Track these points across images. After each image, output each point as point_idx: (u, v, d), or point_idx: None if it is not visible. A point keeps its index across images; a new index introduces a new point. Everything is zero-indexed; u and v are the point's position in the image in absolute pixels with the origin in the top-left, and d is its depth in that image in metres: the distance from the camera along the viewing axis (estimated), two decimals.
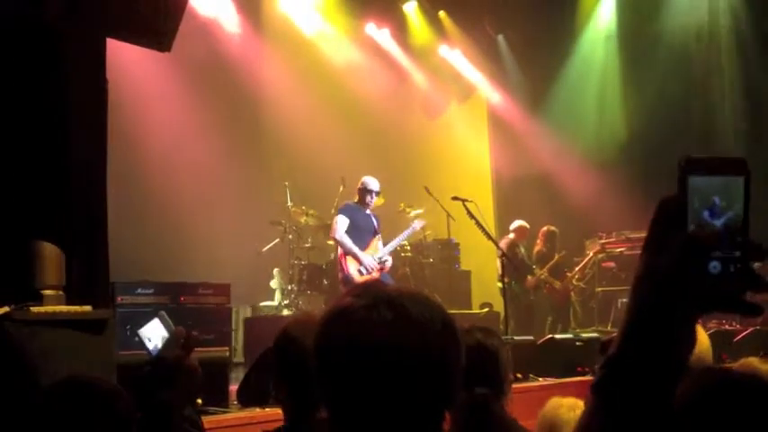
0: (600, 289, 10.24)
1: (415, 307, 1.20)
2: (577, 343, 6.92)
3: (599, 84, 11.84)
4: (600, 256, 10.30)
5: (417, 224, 8.33)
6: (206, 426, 2.14)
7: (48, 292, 4.25)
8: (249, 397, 4.56)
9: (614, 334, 0.91)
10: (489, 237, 7.64)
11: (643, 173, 10.01)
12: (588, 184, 10.81)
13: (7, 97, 4.54)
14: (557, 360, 6.49)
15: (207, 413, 4.38)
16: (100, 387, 1.57)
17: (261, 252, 9.50)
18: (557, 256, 9.99)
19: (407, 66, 12.10)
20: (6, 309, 3.77)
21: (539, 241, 10.09)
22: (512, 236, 9.74)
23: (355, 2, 11.03)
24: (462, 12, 11.80)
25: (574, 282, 10.26)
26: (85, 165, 4.85)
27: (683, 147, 10.04)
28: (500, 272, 8.65)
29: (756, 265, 0.86)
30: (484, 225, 7.55)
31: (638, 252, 0.90)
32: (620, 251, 10.07)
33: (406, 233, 8.26)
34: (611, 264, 10.23)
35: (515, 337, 7.01)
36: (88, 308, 4.13)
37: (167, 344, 2.00)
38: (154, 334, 2.09)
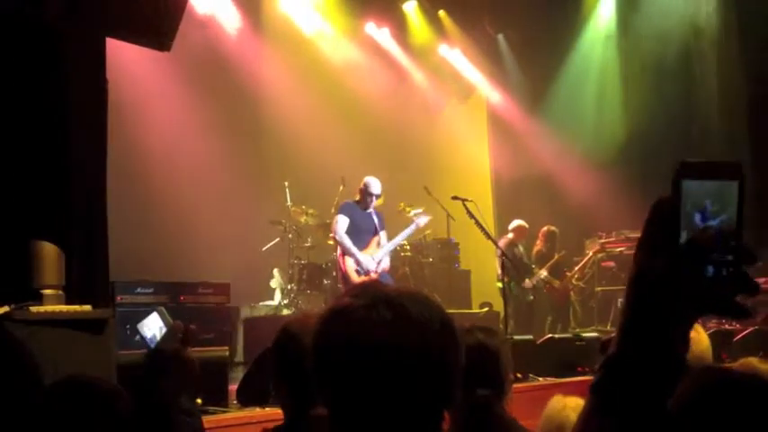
0: (599, 288, 10.25)
1: (414, 306, 1.20)
2: (577, 342, 6.92)
3: (599, 83, 11.83)
4: (599, 255, 10.31)
5: (422, 220, 8.26)
6: (206, 425, 2.15)
7: (47, 291, 4.25)
8: (249, 396, 4.57)
9: (614, 334, 0.91)
10: (489, 236, 7.64)
11: (643, 172, 10.02)
12: (588, 183, 10.81)
13: (7, 97, 4.54)
14: (556, 360, 6.49)
15: (207, 413, 4.38)
16: (100, 387, 1.57)
17: (261, 251, 9.50)
18: (556, 256, 9.99)
19: (407, 65, 12.10)
20: (6, 308, 3.77)
21: (538, 241, 10.09)
22: (510, 236, 9.73)
23: (355, 1, 11.03)
24: (462, 11, 11.80)
25: (573, 281, 10.26)
26: (85, 165, 4.85)
27: (683, 147, 10.05)
28: (499, 272, 8.65)
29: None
30: (483, 225, 7.55)
31: None
32: (620, 251, 10.07)
33: (410, 229, 8.18)
34: (611, 263, 10.23)
35: (515, 337, 7.01)
36: (88, 307, 4.13)
37: (165, 337, 2.02)
38: (153, 327, 2.11)
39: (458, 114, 12.57)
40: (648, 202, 0.89)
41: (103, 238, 4.90)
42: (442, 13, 11.96)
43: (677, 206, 0.85)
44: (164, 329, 2.09)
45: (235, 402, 4.66)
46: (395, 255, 8.75)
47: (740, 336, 7.05)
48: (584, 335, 7.55)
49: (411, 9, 11.85)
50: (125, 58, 7.76)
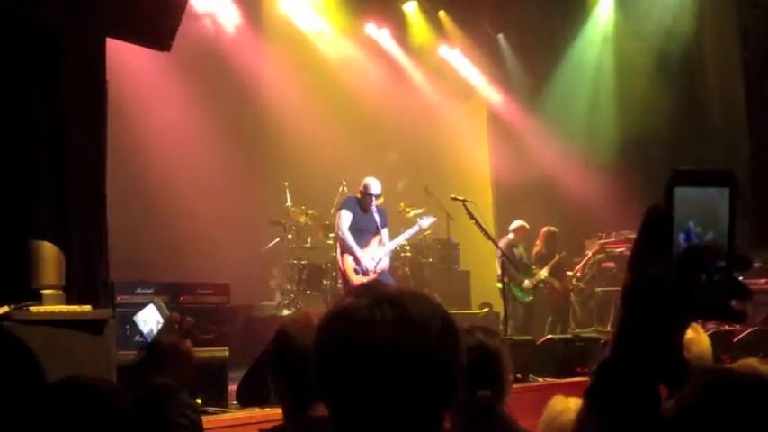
0: (599, 289, 10.24)
1: (415, 306, 1.20)
2: (577, 343, 6.92)
3: (598, 84, 11.83)
4: (599, 256, 10.31)
5: (425, 221, 8.24)
6: (205, 425, 2.14)
7: (47, 291, 4.25)
8: (248, 397, 4.57)
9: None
10: (489, 237, 7.64)
11: (642, 173, 10.01)
12: (588, 183, 10.81)
13: (7, 97, 4.54)
14: (556, 360, 6.50)
15: (206, 413, 4.38)
16: (100, 387, 1.57)
17: (261, 251, 9.50)
18: (557, 256, 9.98)
19: (407, 66, 12.10)
20: (6, 308, 3.77)
21: (538, 242, 10.08)
22: (511, 236, 9.73)
23: (355, 2, 11.03)
24: (462, 12, 11.80)
25: (573, 282, 10.26)
26: (85, 164, 4.85)
27: (683, 147, 10.05)
28: (499, 272, 8.65)
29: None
30: (483, 225, 7.55)
31: None
32: (620, 251, 10.07)
33: (412, 230, 8.17)
34: (611, 264, 10.23)
35: (514, 337, 7.01)
36: (88, 307, 4.13)
37: (162, 329, 2.01)
38: (149, 320, 2.10)
39: (458, 115, 12.57)
40: (648, 202, 0.89)
41: (103, 239, 4.90)
42: (442, 13, 11.96)
43: (670, 213, 0.86)
44: (160, 321, 2.08)
45: (234, 402, 4.66)
46: (395, 255, 8.74)
47: (740, 336, 7.05)
48: (584, 335, 7.55)
49: (411, 9, 11.85)
50: (125, 58, 7.76)
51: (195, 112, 9.54)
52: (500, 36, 12.45)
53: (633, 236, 0.91)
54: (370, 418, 1.18)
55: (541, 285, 9.83)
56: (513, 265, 8.89)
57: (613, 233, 10.35)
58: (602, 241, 10.35)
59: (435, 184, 9.40)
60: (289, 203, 9.39)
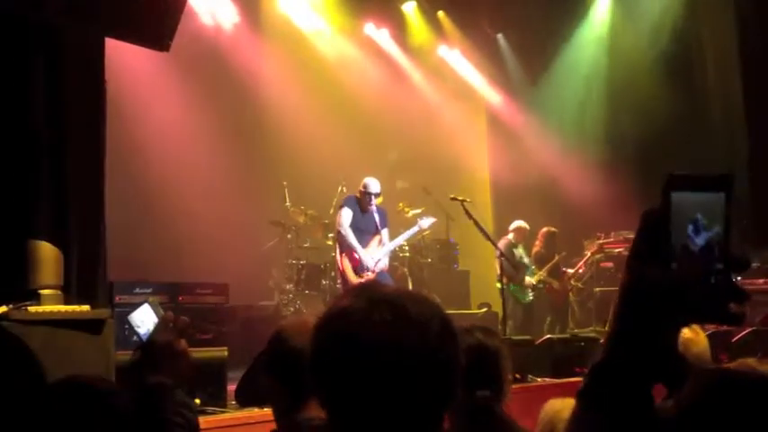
0: (598, 289, 10.24)
1: (413, 307, 1.20)
2: (575, 343, 6.92)
3: (599, 84, 11.82)
4: (598, 256, 10.31)
5: (425, 222, 8.24)
6: (204, 426, 2.14)
7: (46, 291, 4.25)
8: (247, 397, 4.56)
9: None
10: (487, 237, 7.64)
11: (642, 173, 10.01)
12: (587, 183, 10.81)
13: (7, 97, 4.54)
14: (555, 360, 6.50)
15: (205, 413, 4.38)
16: (100, 387, 1.57)
17: (260, 251, 9.50)
18: (557, 257, 9.97)
19: (406, 66, 12.10)
20: (5, 308, 3.77)
21: (538, 242, 10.07)
22: (511, 236, 9.72)
23: (354, 2, 11.03)
24: (461, 12, 11.80)
25: (572, 282, 10.26)
26: (84, 164, 4.85)
27: (681, 146, 10.05)
28: (499, 272, 8.64)
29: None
30: (482, 225, 7.55)
31: None
32: (619, 251, 10.06)
33: (412, 231, 8.17)
34: (610, 264, 10.23)
35: (513, 337, 7.01)
36: (86, 307, 4.13)
37: (157, 328, 2.01)
38: (144, 320, 2.10)
39: (457, 115, 12.56)
40: (647, 202, 0.90)
41: (102, 239, 4.90)
42: (441, 13, 11.96)
43: (667, 216, 0.87)
44: (155, 321, 2.08)
45: (233, 403, 4.66)
46: (393, 255, 8.74)
47: (738, 336, 7.04)
48: (583, 335, 7.55)
49: (410, 9, 11.85)
50: (124, 58, 7.76)
51: (194, 112, 9.54)
52: (499, 36, 12.45)
53: (632, 236, 0.92)
54: (369, 419, 1.18)
55: (540, 285, 9.83)
56: (512, 266, 8.88)
57: (612, 233, 10.34)
58: (601, 241, 10.35)
59: (434, 184, 9.40)
60: (288, 203, 9.39)
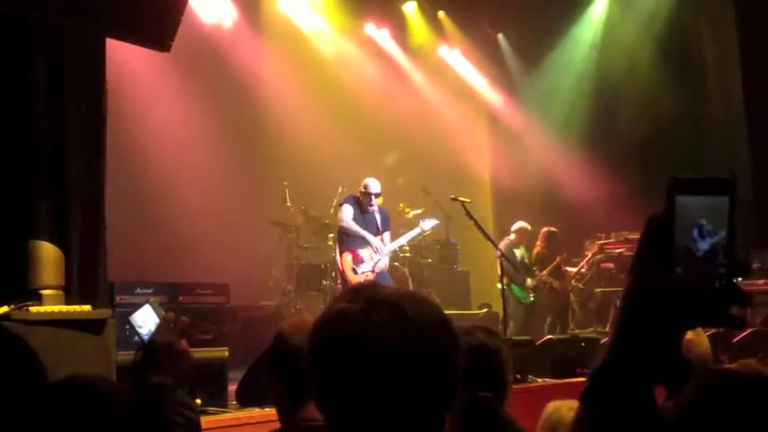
0: (599, 290, 10.23)
1: (413, 307, 1.20)
2: (576, 344, 6.92)
3: (599, 84, 11.81)
4: (599, 256, 10.30)
5: (427, 224, 8.24)
6: (205, 426, 2.14)
7: (47, 291, 4.26)
8: (248, 397, 4.56)
9: None
10: (488, 237, 7.64)
11: (643, 173, 10.01)
12: (587, 184, 10.80)
13: (7, 97, 4.54)
14: (555, 361, 6.49)
15: (206, 413, 4.38)
16: (100, 387, 1.57)
17: (260, 251, 9.50)
18: (558, 258, 9.95)
19: (407, 66, 12.10)
20: (6, 308, 3.77)
21: (538, 242, 10.06)
22: (512, 237, 9.71)
23: (354, 2, 11.03)
24: (462, 12, 11.80)
25: (572, 282, 10.25)
26: (85, 164, 4.85)
27: (682, 146, 10.05)
28: (499, 273, 8.64)
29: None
30: (482, 225, 7.54)
31: None
32: (620, 252, 10.05)
33: (414, 232, 8.17)
34: (610, 264, 10.22)
35: (514, 338, 7.01)
36: (87, 308, 4.14)
37: (158, 329, 2.01)
38: (145, 320, 2.11)
39: (457, 115, 12.56)
40: (648, 203, 0.90)
41: (103, 239, 4.91)
42: (441, 13, 11.96)
43: (671, 221, 0.87)
44: (156, 321, 2.08)
45: (234, 403, 4.66)
46: (394, 255, 8.74)
47: (739, 337, 7.05)
48: (583, 336, 7.55)
49: (411, 10, 11.85)
50: (124, 58, 7.76)
51: (194, 112, 9.54)
52: (500, 36, 12.45)
53: (633, 237, 0.92)
54: (368, 421, 1.17)
55: (541, 286, 9.83)
56: (512, 266, 8.87)
57: (613, 234, 10.33)
58: (602, 242, 10.34)
59: (434, 184, 9.40)
60: (288, 204, 9.39)
